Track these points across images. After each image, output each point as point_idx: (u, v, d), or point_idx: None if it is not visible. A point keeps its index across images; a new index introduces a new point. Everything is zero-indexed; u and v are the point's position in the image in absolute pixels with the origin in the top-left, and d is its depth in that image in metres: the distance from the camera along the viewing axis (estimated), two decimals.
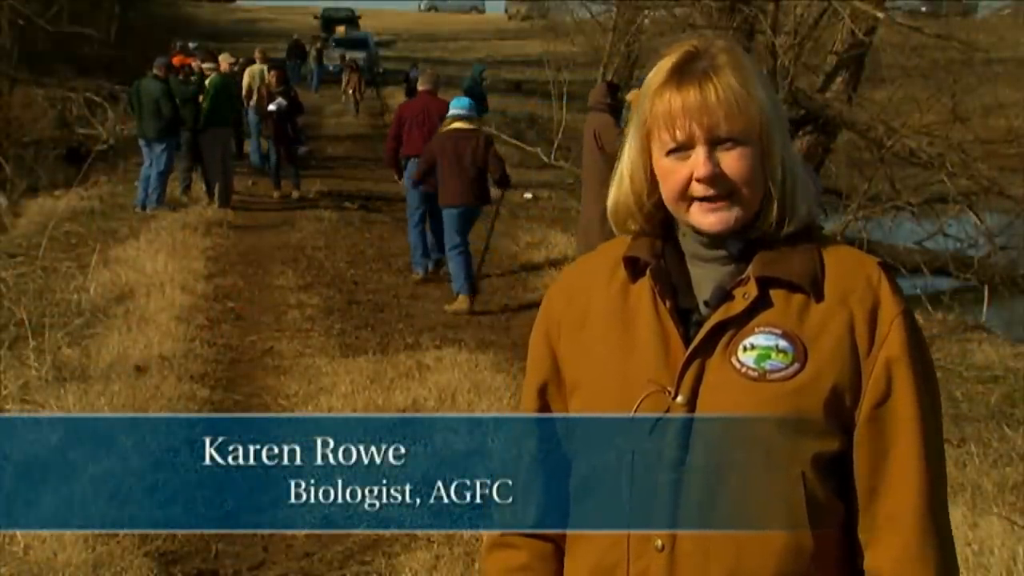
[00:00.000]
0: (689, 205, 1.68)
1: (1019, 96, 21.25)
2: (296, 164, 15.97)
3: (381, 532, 5.02)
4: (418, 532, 5.00)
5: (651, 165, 1.72)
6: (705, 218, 1.67)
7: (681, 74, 1.67)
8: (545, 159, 19.51)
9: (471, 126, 9.55)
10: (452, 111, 9.66)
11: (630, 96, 9.54)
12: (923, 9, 19.16)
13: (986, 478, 5.54)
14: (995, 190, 12.70)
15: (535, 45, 30.48)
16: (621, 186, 1.76)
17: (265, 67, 18.35)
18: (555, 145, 20.09)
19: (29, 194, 16.57)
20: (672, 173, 1.68)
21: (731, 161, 1.65)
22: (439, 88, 11.40)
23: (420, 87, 11.25)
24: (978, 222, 12.92)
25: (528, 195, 15.81)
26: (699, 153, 1.65)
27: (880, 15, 13.32)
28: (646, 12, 17.53)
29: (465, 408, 6.57)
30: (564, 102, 20.85)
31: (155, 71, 14.22)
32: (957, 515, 4.86)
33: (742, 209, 1.67)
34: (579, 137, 10.66)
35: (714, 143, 1.65)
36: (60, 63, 25.23)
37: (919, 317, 9.19)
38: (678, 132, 1.66)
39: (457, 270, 9.44)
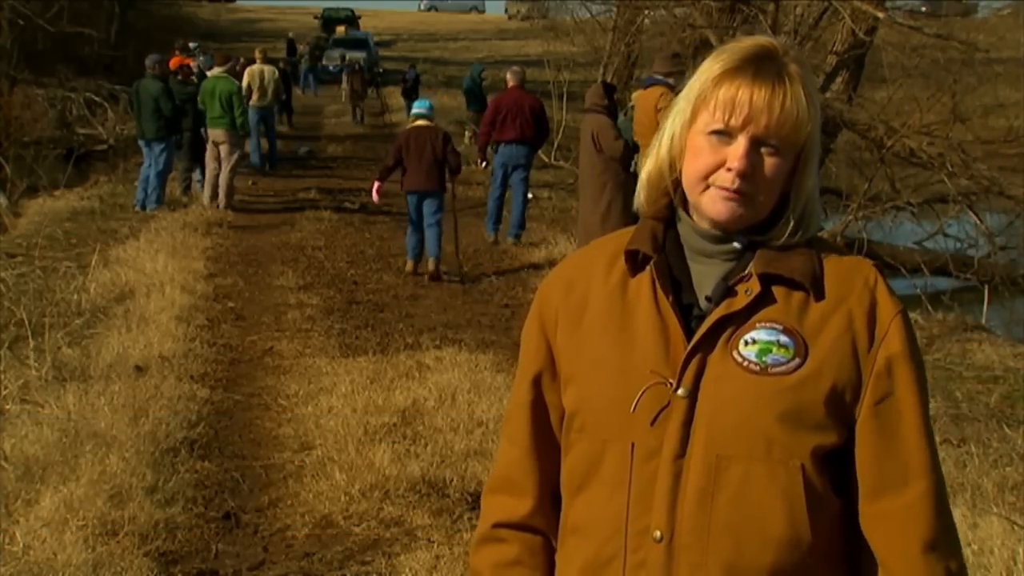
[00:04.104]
0: (706, 189, 1.70)
1: (1019, 96, 21.25)
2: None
3: (381, 532, 5.02)
4: (418, 532, 5.01)
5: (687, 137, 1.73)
6: (716, 206, 1.69)
7: (758, 67, 1.68)
8: (545, 159, 19.51)
9: (431, 124, 10.94)
10: (415, 110, 11.28)
11: (635, 97, 9.73)
12: (923, 9, 19.15)
13: (986, 478, 5.53)
14: (995, 190, 12.69)
15: (535, 45, 30.47)
16: (659, 154, 1.77)
17: (265, 67, 18.36)
18: (555, 145, 20.11)
19: (29, 194, 16.57)
20: (705, 153, 1.69)
21: (768, 165, 1.68)
22: (524, 83, 13.16)
23: (510, 83, 12.89)
24: (978, 222, 12.91)
25: (528, 195, 15.79)
26: (740, 144, 1.67)
27: (880, 15, 13.33)
28: (646, 12, 17.55)
29: (465, 408, 6.57)
30: (564, 102, 20.86)
31: (150, 70, 14.17)
32: (957, 515, 4.86)
33: (753, 211, 1.70)
34: (579, 137, 10.68)
35: (759, 143, 1.68)
36: (60, 63, 25.22)
37: (919, 317, 9.19)
38: (733, 119, 1.67)
39: (410, 241, 10.99)
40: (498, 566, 1.83)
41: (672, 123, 1.75)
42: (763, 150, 1.67)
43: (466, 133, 22.23)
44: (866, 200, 12.45)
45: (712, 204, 1.69)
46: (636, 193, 1.81)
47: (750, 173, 1.67)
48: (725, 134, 1.68)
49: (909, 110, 13.54)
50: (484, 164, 13.43)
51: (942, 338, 9.25)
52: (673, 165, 1.75)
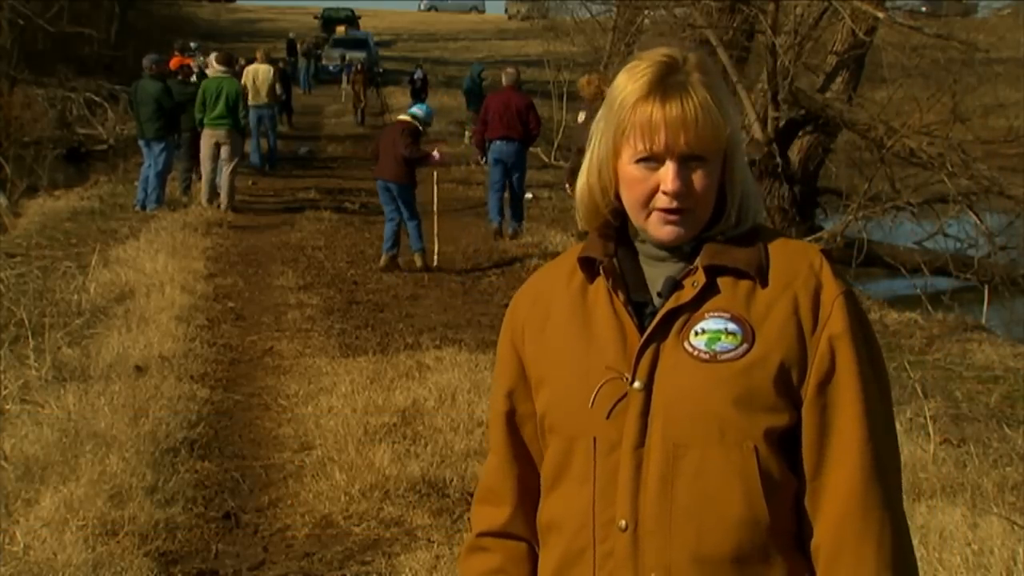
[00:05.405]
0: (649, 214, 1.76)
1: (1019, 96, 21.26)
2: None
3: (381, 532, 5.02)
4: (418, 532, 5.01)
5: (615, 167, 1.78)
6: (661, 229, 1.76)
7: (665, 87, 1.73)
8: (545, 159, 19.52)
9: (407, 120, 11.33)
10: (410, 110, 11.88)
11: (582, 82, 10.00)
12: (923, 9, 19.12)
13: (986, 478, 5.53)
14: (995, 190, 12.68)
15: (535, 45, 30.47)
16: (589, 180, 1.82)
17: (261, 67, 18.33)
18: (555, 145, 20.12)
19: (29, 194, 16.58)
20: (639, 182, 1.75)
21: (697, 178, 1.73)
22: (519, 85, 13.74)
23: (504, 83, 13.58)
24: (978, 222, 12.90)
25: (528, 195, 15.81)
26: (669, 168, 1.73)
27: (880, 15, 13.31)
28: (646, 12, 17.53)
29: (465, 408, 6.58)
30: (564, 102, 20.87)
31: (147, 70, 14.14)
32: (957, 515, 4.86)
33: (694, 225, 1.76)
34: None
35: (685, 159, 1.73)
36: (60, 63, 25.25)
37: (919, 317, 9.15)
38: (653, 145, 1.72)
39: (388, 233, 11.39)
40: (482, 575, 1.89)
41: (597, 150, 1.79)
42: (691, 164, 1.73)
43: (466, 133, 22.23)
44: (866, 200, 12.44)
45: (656, 228, 1.76)
46: (576, 209, 1.87)
47: (685, 191, 1.73)
48: (650, 160, 1.73)
49: (909, 110, 13.52)
50: (485, 161, 13.95)
51: (942, 338, 9.25)
52: (605, 192, 1.80)
